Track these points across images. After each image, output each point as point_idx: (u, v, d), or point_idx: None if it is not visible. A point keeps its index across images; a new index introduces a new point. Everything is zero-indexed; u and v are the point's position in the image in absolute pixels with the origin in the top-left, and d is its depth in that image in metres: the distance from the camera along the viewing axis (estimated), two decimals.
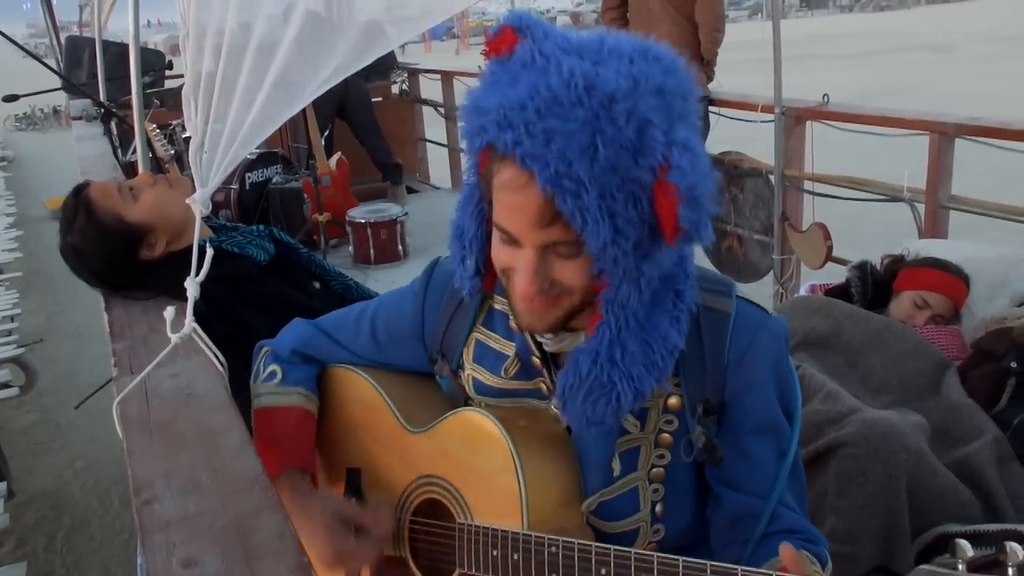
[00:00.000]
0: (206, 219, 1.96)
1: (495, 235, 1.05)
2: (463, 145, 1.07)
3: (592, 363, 1.06)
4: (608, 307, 1.04)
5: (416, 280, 1.36)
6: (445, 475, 1.25)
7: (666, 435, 1.17)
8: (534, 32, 0.99)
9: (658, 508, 1.19)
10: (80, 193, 1.89)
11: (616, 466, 1.17)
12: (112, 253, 1.87)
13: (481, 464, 1.18)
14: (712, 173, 0.98)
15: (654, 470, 1.18)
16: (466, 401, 1.32)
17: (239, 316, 1.84)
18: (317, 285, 2.17)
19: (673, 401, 1.15)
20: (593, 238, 0.95)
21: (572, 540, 1.05)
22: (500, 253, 1.05)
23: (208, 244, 1.53)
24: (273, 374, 1.40)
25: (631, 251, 0.98)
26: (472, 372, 1.28)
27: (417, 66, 7.24)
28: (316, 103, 5.80)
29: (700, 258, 4.80)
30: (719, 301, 1.16)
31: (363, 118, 6.09)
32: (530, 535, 1.09)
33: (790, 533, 1.13)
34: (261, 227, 2.11)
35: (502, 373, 1.24)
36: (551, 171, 0.92)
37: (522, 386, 1.23)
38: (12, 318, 4.61)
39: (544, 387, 1.21)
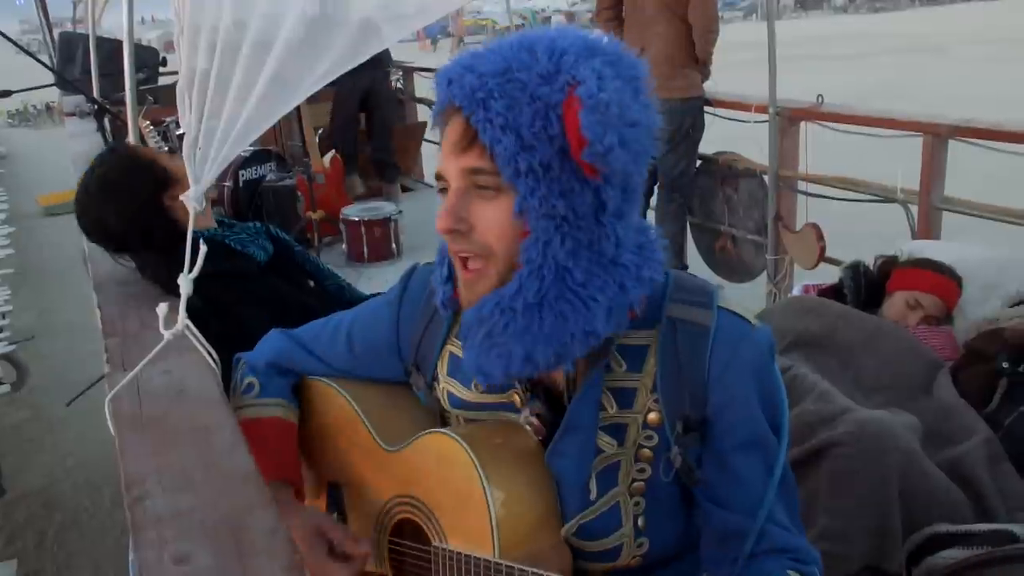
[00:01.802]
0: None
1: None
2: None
3: (495, 306, 1.05)
4: (524, 255, 1.03)
5: (392, 289, 1.35)
6: (419, 496, 1.23)
7: (646, 451, 1.14)
8: None
9: (640, 522, 1.16)
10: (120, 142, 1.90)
11: (593, 487, 1.14)
12: (141, 184, 1.90)
13: (451, 487, 1.16)
14: (635, 108, 1.00)
15: (635, 484, 1.15)
16: (442, 414, 1.30)
17: (236, 313, 1.84)
18: (311, 283, 2.17)
19: (653, 417, 1.13)
20: (500, 148, 0.99)
21: (542, 572, 1.04)
22: (439, 218, 1.06)
23: (204, 239, 1.53)
24: (251, 386, 1.38)
25: (543, 176, 1.00)
26: (446, 385, 1.27)
27: (412, 64, 7.24)
28: (341, 98, 5.87)
29: (694, 257, 4.81)
30: (697, 314, 1.13)
31: (388, 114, 6.13)
32: (501, 564, 1.08)
33: (780, 553, 1.11)
34: (258, 224, 2.11)
35: (472, 387, 1.22)
36: (466, 89, 1.00)
37: (495, 399, 1.22)
38: (3, 315, 4.60)
39: (517, 399, 1.20)
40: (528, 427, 1.18)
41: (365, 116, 6.09)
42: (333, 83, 5.44)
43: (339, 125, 6.00)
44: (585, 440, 1.14)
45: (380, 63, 6.03)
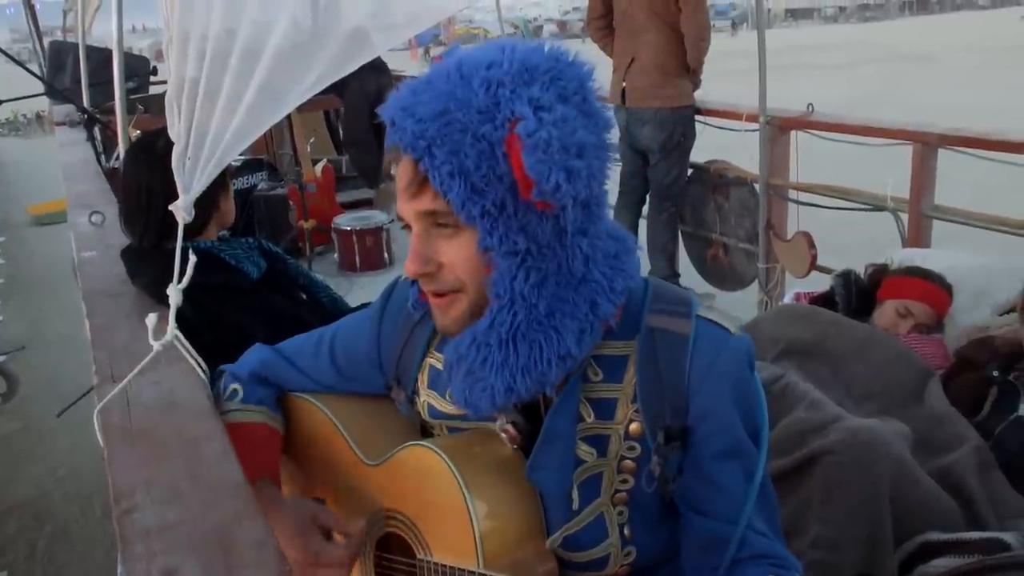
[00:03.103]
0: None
1: None
2: None
3: (471, 343, 1.06)
4: (492, 289, 1.04)
5: (374, 304, 1.35)
6: (403, 509, 1.23)
7: (628, 461, 1.14)
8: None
9: (626, 531, 1.16)
10: None
11: (575, 497, 1.14)
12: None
13: (433, 500, 1.16)
14: (581, 131, 0.99)
15: (617, 494, 1.15)
16: (424, 426, 1.30)
17: (227, 324, 1.84)
18: (303, 295, 2.18)
19: (634, 427, 1.13)
20: (452, 195, 0.98)
21: None
22: (407, 263, 1.07)
23: (199, 251, 1.53)
24: (235, 392, 1.37)
25: (498, 216, 0.99)
26: (427, 398, 1.26)
27: (403, 72, 7.24)
28: (352, 106, 5.87)
29: (686, 266, 4.82)
30: (676, 323, 1.12)
31: None
32: (485, 574, 1.08)
33: (760, 558, 1.11)
34: (251, 240, 2.11)
35: (447, 397, 1.22)
36: (409, 135, 0.99)
37: None
38: None
39: None
40: (503, 435, 1.18)
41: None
42: (340, 93, 5.41)
43: (356, 140, 6.03)
44: (564, 451, 1.13)
45: (385, 69, 6.02)
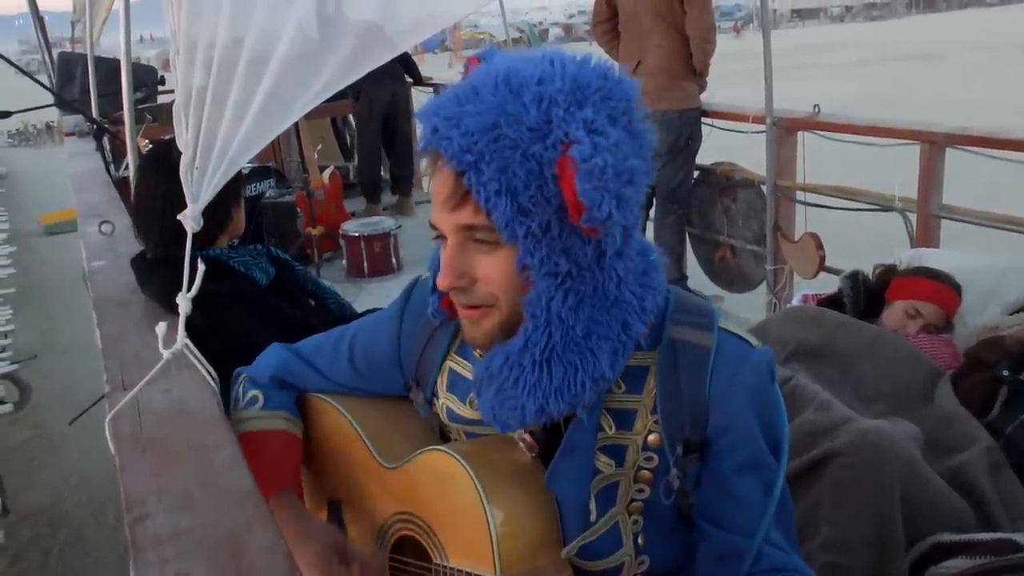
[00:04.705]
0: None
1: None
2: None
3: (503, 363, 1.06)
4: (528, 309, 1.03)
5: (394, 304, 1.34)
6: (419, 513, 1.23)
7: (646, 472, 1.13)
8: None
9: (640, 540, 1.15)
10: None
11: (593, 508, 1.13)
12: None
13: (450, 504, 1.16)
14: (632, 158, 0.97)
15: (633, 504, 1.15)
16: (442, 429, 1.30)
17: (237, 332, 1.85)
18: (312, 302, 2.18)
19: (653, 438, 1.12)
20: (497, 214, 0.96)
21: None
22: (441, 275, 1.05)
23: (208, 258, 1.53)
24: (255, 399, 1.38)
25: (542, 237, 0.98)
26: (446, 401, 1.26)
27: (430, 79, 7.26)
28: (363, 114, 5.91)
29: (693, 268, 4.81)
30: (698, 335, 1.12)
31: (405, 126, 6.11)
32: None
33: (776, 572, 1.10)
34: (259, 247, 2.12)
35: (467, 404, 1.22)
36: (455, 147, 0.96)
37: None
38: (5, 334, 4.60)
39: None
40: (521, 443, 1.18)
41: (384, 129, 6.10)
42: (356, 97, 5.42)
43: (365, 152, 6.08)
44: (583, 461, 1.13)
45: (400, 76, 6.04)
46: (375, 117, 5.93)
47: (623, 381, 1.13)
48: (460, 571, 1.14)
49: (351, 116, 6.74)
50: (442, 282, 1.04)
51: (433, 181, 1.03)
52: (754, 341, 1.15)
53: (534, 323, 1.03)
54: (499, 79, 0.98)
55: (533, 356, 1.04)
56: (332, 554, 1.25)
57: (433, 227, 1.06)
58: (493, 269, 1.02)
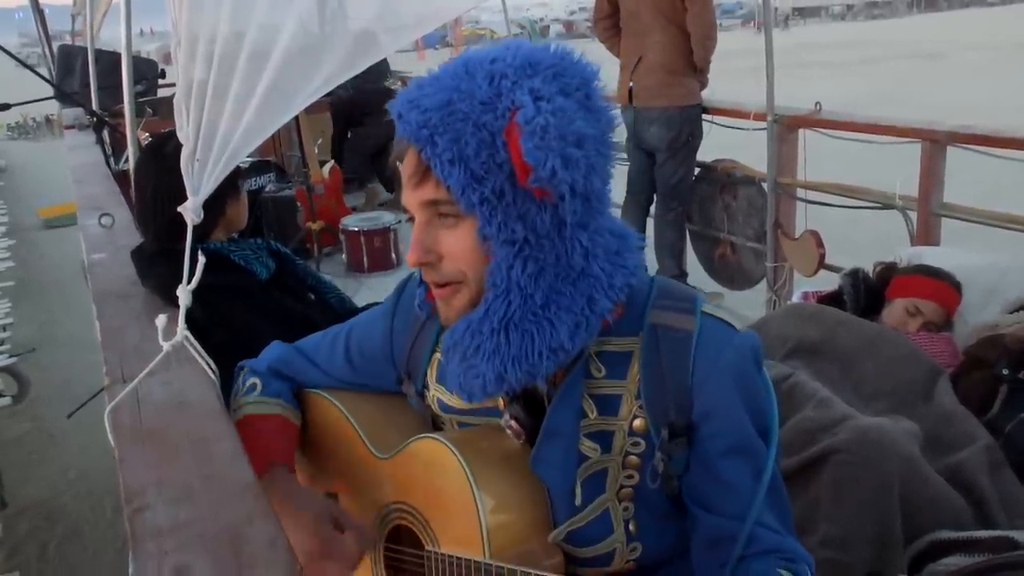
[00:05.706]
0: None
1: None
2: None
3: (465, 330, 1.08)
4: (490, 279, 1.05)
5: (387, 300, 1.37)
6: (412, 502, 1.24)
7: (633, 457, 1.14)
8: None
9: (631, 526, 1.16)
10: None
11: (578, 494, 1.14)
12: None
13: (441, 491, 1.17)
14: (580, 122, 1.00)
15: (623, 490, 1.15)
16: (434, 420, 1.32)
17: (237, 325, 1.85)
18: (312, 296, 2.18)
19: (638, 423, 1.13)
20: (452, 182, 1.00)
21: (532, 571, 1.04)
22: (409, 252, 1.09)
23: (208, 252, 1.53)
24: (253, 387, 1.39)
25: (497, 204, 1.01)
26: (436, 392, 1.28)
27: (410, 74, 7.26)
28: (355, 148, 5.93)
29: (693, 265, 4.82)
30: (681, 320, 1.13)
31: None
32: (492, 565, 1.08)
33: (769, 554, 1.10)
34: (259, 241, 2.12)
35: (453, 391, 1.22)
36: (413, 125, 1.02)
37: (481, 404, 1.22)
38: (4, 327, 4.60)
39: (501, 403, 1.20)
40: (508, 430, 1.19)
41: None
42: (350, 121, 5.42)
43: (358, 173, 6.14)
44: (567, 446, 1.14)
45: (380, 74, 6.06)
46: (366, 151, 5.98)
47: (605, 366, 1.14)
48: (451, 556, 1.15)
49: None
50: (410, 258, 1.08)
51: (401, 161, 1.07)
52: (738, 325, 1.15)
53: (494, 292, 1.06)
54: (458, 64, 1.04)
55: (492, 324, 1.06)
56: (327, 520, 1.25)
57: (404, 209, 1.10)
58: (457, 243, 1.06)
